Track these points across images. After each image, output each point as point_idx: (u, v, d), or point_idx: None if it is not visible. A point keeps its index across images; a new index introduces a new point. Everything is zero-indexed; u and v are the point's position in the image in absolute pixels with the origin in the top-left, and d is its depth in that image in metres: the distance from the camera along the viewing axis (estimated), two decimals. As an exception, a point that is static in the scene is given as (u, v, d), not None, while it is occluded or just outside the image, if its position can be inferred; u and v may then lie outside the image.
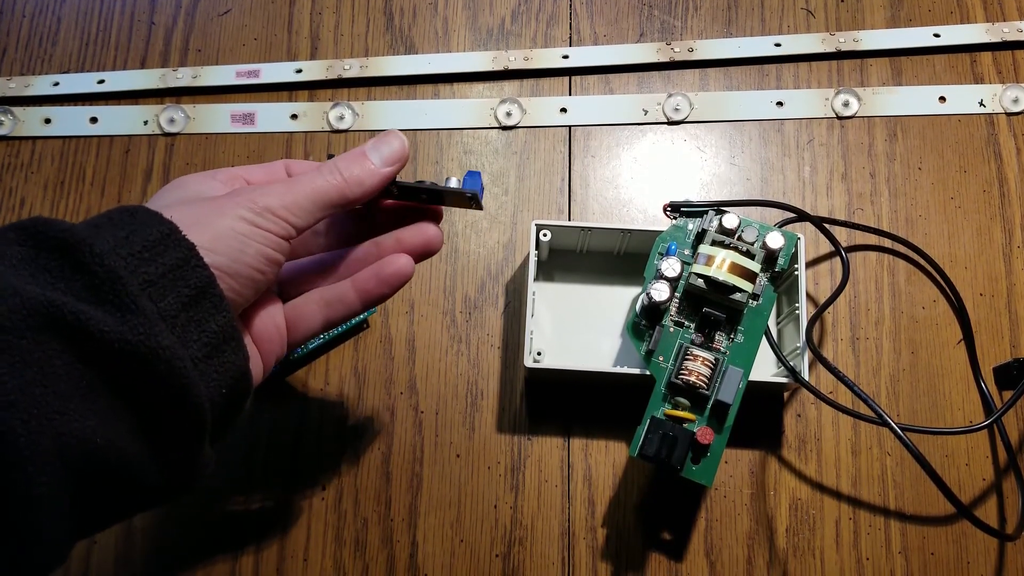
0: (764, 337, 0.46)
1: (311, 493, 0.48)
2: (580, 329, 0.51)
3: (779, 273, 0.46)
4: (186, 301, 0.31)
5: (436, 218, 0.41)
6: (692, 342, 0.45)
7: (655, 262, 0.46)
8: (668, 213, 0.48)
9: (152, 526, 0.47)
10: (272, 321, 0.38)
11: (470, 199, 0.39)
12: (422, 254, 0.40)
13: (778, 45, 0.57)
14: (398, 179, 0.39)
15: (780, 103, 0.56)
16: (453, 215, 0.53)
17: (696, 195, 0.54)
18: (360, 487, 0.48)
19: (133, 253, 0.30)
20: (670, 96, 0.56)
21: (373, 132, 0.55)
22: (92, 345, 0.28)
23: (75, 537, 0.30)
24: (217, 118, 0.56)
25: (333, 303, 0.39)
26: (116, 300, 0.29)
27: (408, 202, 0.40)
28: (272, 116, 0.56)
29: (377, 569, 0.47)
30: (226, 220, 0.33)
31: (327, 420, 0.49)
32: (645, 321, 0.46)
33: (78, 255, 0.29)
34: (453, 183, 0.39)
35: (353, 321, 0.50)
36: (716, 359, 0.44)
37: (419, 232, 0.40)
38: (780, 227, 0.47)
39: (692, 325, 0.45)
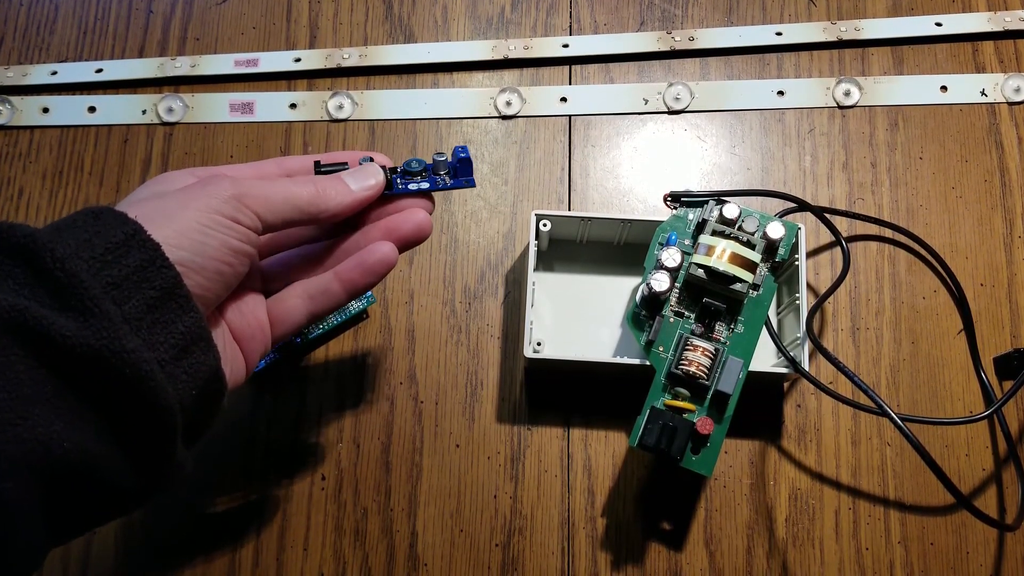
0: (764, 327, 0.46)
1: (311, 483, 0.48)
2: (580, 319, 0.50)
3: (779, 263, 0.46)
4: (151, 303, 0.31)
5: (427, 204, 0.41)
6: (692, 332, 0.45)
7: (655, 252, 0.46)
8: (668, 203, 0.47)
9: (151, 518, 0.47)
10: (254, 317, 0.38)
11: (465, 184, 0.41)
12: (411, 242, 0.40)
13: (779, 34, 0.57)
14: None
15: (781, 92, 0.56)
16: (452, 205, 0.53)
17: (696, 185, 0.54)
18: (360, 477, 0.48)
19: (95, 256, 0.30)
20: (671, 85, 0.56)
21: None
22: (55, 350, 0.28)
23: (50, 543, 0.30)
24: (216, 107, 0.55)
25: (316, 296, 0.39)
26: (79, 305, 0.29)
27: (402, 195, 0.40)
28: (271, 105, 0.55)
29: (377, 559, 0.47)
30: (189, 212, 0.33)
31: (326, 410, 0.49)
32: (645, 311, 0.45)
33: (40, 261, 0.28)
34: (443, 159, 0.40)
35: (353, 311, 0.50)
36: (716, 349, 0.44)
37: (408, 219, 0.40)
38: (781, 217, 0.47)
39: (692, 315, 0.45)
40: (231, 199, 0.34)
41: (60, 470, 0.28)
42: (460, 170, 0.41)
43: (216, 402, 0.34)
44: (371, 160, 0.40)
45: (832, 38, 0.57)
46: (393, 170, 0.40)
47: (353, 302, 0.50)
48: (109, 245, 0.30)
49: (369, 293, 0.50)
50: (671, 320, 0.45)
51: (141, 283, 0.30)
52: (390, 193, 0.40)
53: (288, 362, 0.50)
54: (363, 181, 0.39)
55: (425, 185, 0.40)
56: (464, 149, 0.41)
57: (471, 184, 0.41)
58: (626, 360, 0.46)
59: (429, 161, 0.41)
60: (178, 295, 0.31)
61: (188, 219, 0.33)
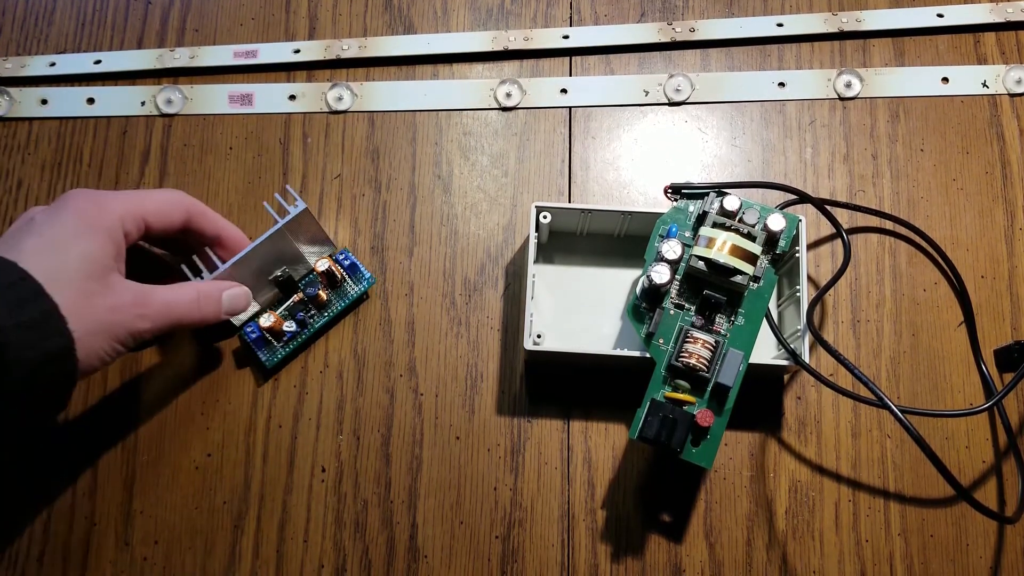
0: (765, 320, 0.45)
1: (311, 475, 0.48)
2: (580, 312, 0.50)
3: (780, 255, 0.46)
4: (50, 404, 0.39)
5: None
6: (692, 325, 0.45)
7: (656, 244, 0.46)
8: (669, 195, 0.47)
9: (152, 508, 0.48)
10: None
11: None
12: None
13: (780, 25, 0.57)
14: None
15: (782, 84, 0.56)
16: (452, 197, 0.53)
17: (697, 177, 0.54)
18: (360, 469, 0.48)
19: (35, 368, 0.36)
20: (671, 77, 0.56)
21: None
22: None
23: None
24: (215, 99, 0.55)
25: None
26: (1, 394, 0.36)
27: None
28: (270, 97, 0.55)
29: (377, 551, 0.47)
30: (98, 340, 0.40)
31: (326, 402, 0.49)
32: (645, 304, 0.45)
33: None
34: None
35: (353, 296, 0.50)
36: (716, 342, 0.44)
37: None
38: (781, 209, 0.47)
39: (692, 308, 0.45)
40: (136, 333, 0.41)
41: None
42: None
43: None
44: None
45: (833, 29, 0.56)
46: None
47: (353, 286, 0.50)
48: (49, 357, 0.37)
49: (368, 274, 0.50)
50: (671, 312, 0.45)
51: (55, 391, 0.38)
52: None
53: (291, 357, 0.50)
54: (233, 306, 0.46)
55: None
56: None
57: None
58: (626, 352, 0.46)
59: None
60: (66, 399, 0.40)
61: (96, 347, 0.39)
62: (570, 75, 0.56)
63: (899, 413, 0.42)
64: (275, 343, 0.49)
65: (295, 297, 0.50)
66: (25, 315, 0.36)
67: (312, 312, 0.50)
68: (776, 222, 0.45)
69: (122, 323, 0.40)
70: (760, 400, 0.49)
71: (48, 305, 0.37)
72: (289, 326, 0.49)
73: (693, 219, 0.47)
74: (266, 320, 0.48)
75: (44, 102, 0.55)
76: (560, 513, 0.48)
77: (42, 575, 0.47)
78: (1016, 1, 0.57)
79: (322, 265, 0.49)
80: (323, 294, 0.49)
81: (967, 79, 0.56)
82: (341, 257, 0.50)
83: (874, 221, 0.53)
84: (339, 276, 0.50)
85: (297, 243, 0.48)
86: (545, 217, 0.48)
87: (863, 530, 0.48)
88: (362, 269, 0.50)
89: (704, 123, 0.55)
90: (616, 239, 0.51)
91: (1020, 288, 0.52)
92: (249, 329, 0.49)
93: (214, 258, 0.46)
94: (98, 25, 0.57)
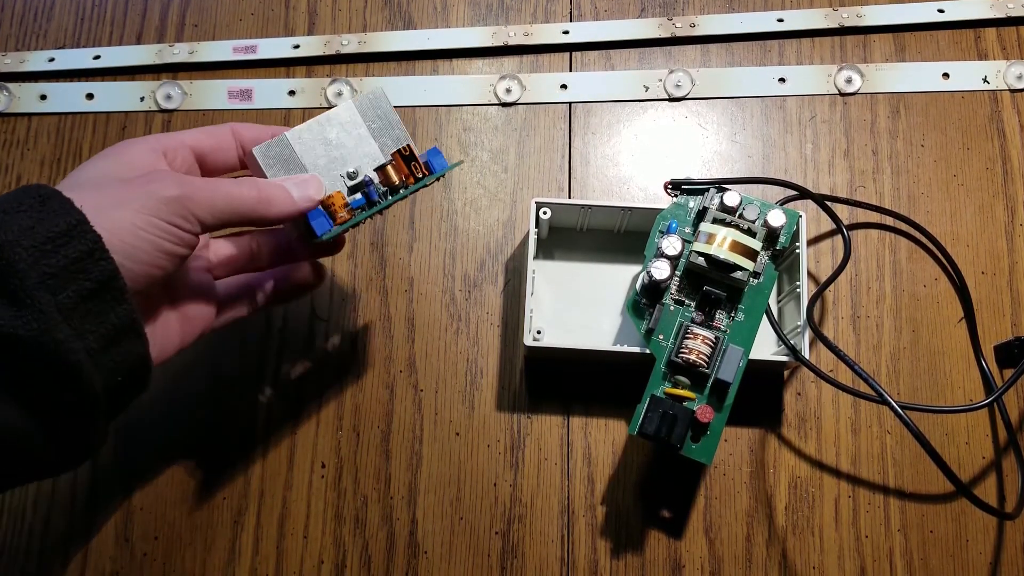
0: (765, 315, 0.45)
1: (311, 471, 0.48)
2: (580, 307, 0.50)
3: (780, 251, 0.46)
4: (86, 293, 0.31)
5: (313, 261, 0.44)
6: (692, 320, 0.45)
7: (656, 240, 0.46)
8: (669, 191, 0.47)
9: (152, 505, 0.48)
10: (203, 300, 0.40)
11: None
12: (301, 286, 0.44)
13: (780, 20, 0.57)
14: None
15: (782, 79, 0.56)
16: (452, 193, 0.53)
17: (697, 173, 0.54)
18: (360, 465, 0.48)
19: (36, 244, 0.30)
20: (671, 72, 0.56)
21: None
22: None
23: None
24: (214, 94, 0.55)
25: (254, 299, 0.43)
26: (13, 293, 0.29)
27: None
28: (269, 92, 0.55)
29: (377, 547, 0.47)
30: (126, 212, 0.33)
31: (326, 398, 0.49)
32: (645, 299, 0.45)
33: None
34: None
35: (431, 178, 0.43)
36: (716, 338, 0.44)
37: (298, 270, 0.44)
38: (781, 205, 0.47)
39: (692, 303, 0.45)
40: (173, 200, 0.34)
41: None
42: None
43: (141, 385, 0.35)
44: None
45: (834, 24, 0.56)
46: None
47: (427, 171, 0.43)
48: (51, 234, 0.31)
49: (446, 162, 0.44)
50: (671, 308, 0.45)
51: (78, 274, 0.31)
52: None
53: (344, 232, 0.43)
54: (304, 191, 0.39)
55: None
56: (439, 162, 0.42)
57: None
58: (626, 348, 0.46)
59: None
60: (113, 287, 0.32)
61: (123, 219, 0.33)
62: (570, 70, 0.56)
63: (899, 409, 0.42)
64: (332, 217, 0.41)
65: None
66: (11, 199, 0.31)
67: (384, 191, 0.43)
68: (776, 218, 0.45)
69: (148, 191, 0.34)
70: (760, 396, 0.49)
71: (45, 191, 0.32)
72: (354, 197, 0.42)
73: (693, 215, 0.47)
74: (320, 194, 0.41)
75: (43, 97, 0.55)
76: (560, 509, 0.48)
77: (41, 572, 0.47)
78: (1017, -4, 0.57)
79: (400, 144, 0.42)
80: (393, 173, 0.42)
81: (968, 75, 0.56)
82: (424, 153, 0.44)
83: (874, 217, 0.53)
84: (417, 160, 0.43)
85: (371, 131, 0.42)
86: (545, 213, 0.48)
87: (863, 526, 0.48)
88: (443, 158, 0.43)
89: (704, 119, 0.55)
90: (616, 235, 0.51)
91: (1020, 284, 0.52)
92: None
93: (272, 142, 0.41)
94: (97, 20, 0.57)
